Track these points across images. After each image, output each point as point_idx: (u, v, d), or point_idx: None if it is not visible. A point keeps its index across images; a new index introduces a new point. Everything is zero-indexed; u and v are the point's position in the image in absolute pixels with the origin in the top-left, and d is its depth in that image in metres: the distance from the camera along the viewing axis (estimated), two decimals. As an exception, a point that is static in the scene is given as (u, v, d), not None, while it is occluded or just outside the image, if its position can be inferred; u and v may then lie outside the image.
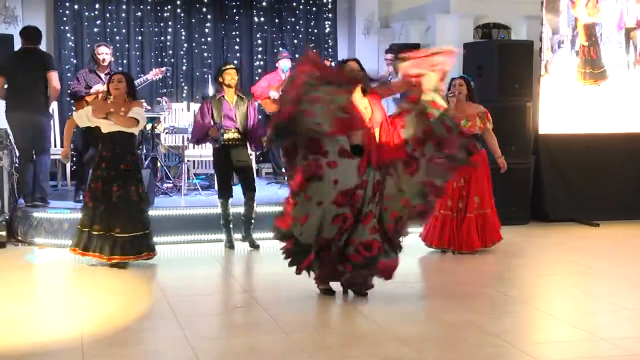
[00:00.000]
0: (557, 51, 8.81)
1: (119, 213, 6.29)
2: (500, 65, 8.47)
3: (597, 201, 8.75)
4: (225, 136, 7.02)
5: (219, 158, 7.21)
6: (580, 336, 4.76)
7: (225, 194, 7.19)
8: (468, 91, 6.92)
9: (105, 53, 7.96)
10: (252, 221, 7.24)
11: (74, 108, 8.24)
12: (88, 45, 9.53)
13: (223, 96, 7.11)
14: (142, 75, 8.90)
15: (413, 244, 6.73)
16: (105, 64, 7.99)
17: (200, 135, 7.14)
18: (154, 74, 8.55)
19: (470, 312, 5.15)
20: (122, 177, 6.35)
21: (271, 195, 8.43)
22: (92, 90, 7.84)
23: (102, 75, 7.98)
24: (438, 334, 4.69)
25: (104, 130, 6.38)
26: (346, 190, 5.00)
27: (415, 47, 10.03)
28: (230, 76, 7.08)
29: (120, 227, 6.26)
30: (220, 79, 7.16)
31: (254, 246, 7.20)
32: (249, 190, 7.19)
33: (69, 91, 8.28)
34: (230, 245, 7.22)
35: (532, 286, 6.18)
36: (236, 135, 7.11)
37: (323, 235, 5.06)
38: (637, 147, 8.99)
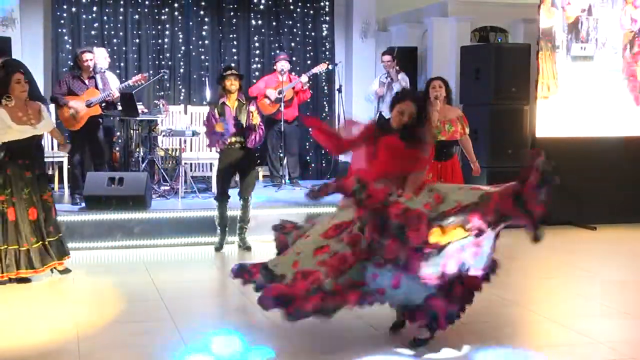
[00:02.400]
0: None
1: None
2: (497, 69, 8.48)
3: (594, 204, 8.75)
4: (228, 140, 7.05)
5: (221, 161, 7.24)
6: (578, 339, 4.77)
7: (223, 197, 7.21)
8: (446, 93, 6.65)
9: (89, 59, 7.94)
10: (247, 225, 7.28)
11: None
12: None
13: (224, 102, 7.14)
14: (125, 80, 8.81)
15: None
16: (90, 69, 7.97)
17: (212, 137, 7.14)
18: (136, 80, 8.44)
19: (466, 316, 5.14)
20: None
21: (268, 197, 8.46)
22: (71, 110, 7.85)
23: (86, 81, 7.97)
24: (433, 338, 4.67)
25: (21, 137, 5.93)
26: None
27: (413, 50, 10.09)
28: (230, 82, 7.10)
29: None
30: (222, 84, 7.19)
31: (246, 247, 7.23)
32: (246, 195, 7.21)
33: (50, 96, 8.25)
34: (219, 247, 7.24)
35: (528, 289, 6.18)
36: (239, 139, 7.10)
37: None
38: (634, 150, 9.00)
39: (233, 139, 7.08)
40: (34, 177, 6.02)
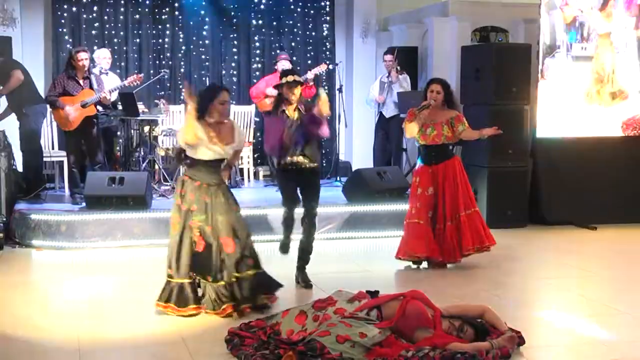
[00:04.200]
0: (553, 56, 8.82)
1: None
2: (498, 69, 8.48)
3: (594, 205, 8.75)
4: (289, 159, 5.92)
5: (284, 181, 6.09)
6: (578, 340, 4.77)
7: (294, 202, 6.03)
8: (446, 95, 6.46)
9: (85, 59, 7.92)
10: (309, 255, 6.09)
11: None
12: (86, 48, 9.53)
13: (284, 111, 5.94)
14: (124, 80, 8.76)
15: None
16: (85, 69, 7.96)
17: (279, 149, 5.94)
18: (131, 81, 8.38)
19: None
20: None
21: (268, 197, 8.45)
22: (64, 114, 7.85)
23: (81, 81, 7.96)
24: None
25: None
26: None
27: (414, 50, 10.09)
28: (292, 91, 5.87)
29: None
30: (280, 91, 6.01)
31: (307, 285, 5.99)
32: (312, 205, 6.04)
33: (45, 97, 8.25)
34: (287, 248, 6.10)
35: (528, 289, 6.18)
36: (304, 159, 5.93)
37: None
38: (634, 150, 9.00)
39: (297, 158, 5.90)
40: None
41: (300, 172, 5.90)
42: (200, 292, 5.24)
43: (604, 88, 8.95)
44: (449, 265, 6.56)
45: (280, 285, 5.38)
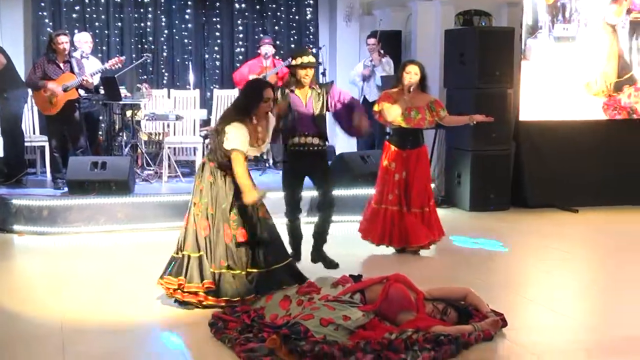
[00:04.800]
0: (535, 37, 8.83)
1: None
2: (481, 52, 8.48)
3: (576, 187, 8.80)
4: (297, 140, 5.75)
5: (289, 169, 5.96)
6: (560, 320, 4.81)
7: (295, 213, 5.99)
8: (422, 78, 6.29)
9: (65, 42, 7.83)
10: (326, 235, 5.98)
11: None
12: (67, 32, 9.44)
13: (292, 90, 5.74)
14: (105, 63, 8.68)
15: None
16: (65, 52, 7.88)
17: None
18: (112, 64, 8.29)
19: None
20: None
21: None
22: (47, 92, 7.75)
23: (62, 64, 7.88)
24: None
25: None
26: None
27: (397, 34, 10.07)
28: (306, 72, 5.65)
29: None
30: (293, 72, 5.78)
31: (332, 264, 5.89)
32: (328, 186, 5.91)
33: (26, 80, 8.16)
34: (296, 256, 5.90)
35: (511, 272, 6.22)
36: (314, 139, 5.76)
37: None
38: (615, 133, 9.05)
39: (305, 139, 5.70)
40: None
41: (308, 154, 5.68)
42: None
43: (609, 78, 8.99)
44: (432, 247, 6.55)
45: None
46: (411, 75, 6.23)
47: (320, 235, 5.90)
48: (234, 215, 5.00)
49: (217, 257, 4.93)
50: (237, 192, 4.97)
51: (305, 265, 5.73)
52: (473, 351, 4.17)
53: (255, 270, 4.99)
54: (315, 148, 5.70)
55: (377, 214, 6.43)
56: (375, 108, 6.36)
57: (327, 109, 5.77)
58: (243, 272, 4.96)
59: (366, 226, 6.56)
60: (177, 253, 5.02)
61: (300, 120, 5.64)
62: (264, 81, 5.70)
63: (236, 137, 4.88)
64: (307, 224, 6.13)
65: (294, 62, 5.67)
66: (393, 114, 6.21)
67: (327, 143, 5.81)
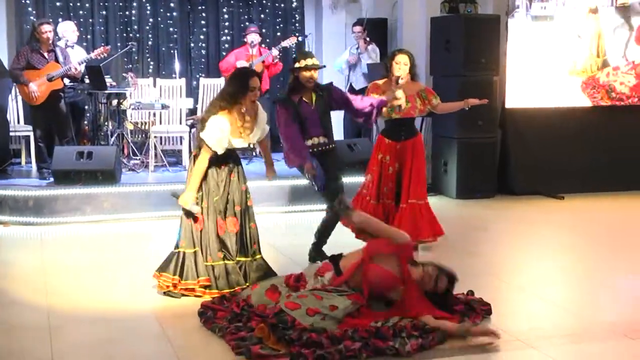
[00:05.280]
0: (513, 16, 8.82)
1: None
2: (467, 40, 8.49)
3: (562, 174, 8.86)
4: (310, 142, 5.63)
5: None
6: (547, 307, 4.85)
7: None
8: (411, 67, 6.10)
9: (49, 31, 7.74)
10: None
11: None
12: (50, 20, 9.37)
13: (302, 99, 5.62)
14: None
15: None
16: (50, 42, 7.80)
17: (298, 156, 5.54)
18: (98, 53, 8.18)
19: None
20: None
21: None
22: (29, 90, 7.68)
23: (46, 54, 7.81)
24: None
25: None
26: None
27: (383, 21, 10.06)
28: (311, 74, 5.53)
29: None
30: (296, 74, 5.61)
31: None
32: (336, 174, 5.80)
33: (9, 70, 8.08)
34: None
35: (497, 259, 6.26)
36: (324, 140, 5.71)
37: None
38: (602, 120, 9.11)
39: (317, 140, 5.62)
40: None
41: (324, 153, 5.60)
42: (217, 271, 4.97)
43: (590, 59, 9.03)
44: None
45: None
46: (400, 65, 6.04)
47: (327, 232, 5.83)
48: (224, 205, 5.01)
49: (212, 250, 4.96)
50: (228, 182, 4.99)
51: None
52: (460, 338, 4.20)
53: (243, 259, 5.06)
54: (327, 147, 5.65)
55: (376, 210, 6.10)
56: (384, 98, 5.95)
57: (332, 109, 5.72)
58: (234, 262, 5.00)
59: None
60: (176, 249, 5.06)
61: (310, 123, 5.56)
62: (250, 70, 5.69)
63: (213, 131, 4.86)
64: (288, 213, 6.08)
65: (297, 65, 5.53)
66: (400, 99, 5.92)
67: (334, 142, 5.76)
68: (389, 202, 6.21)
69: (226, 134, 4.90)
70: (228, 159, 5.06)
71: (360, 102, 5.80)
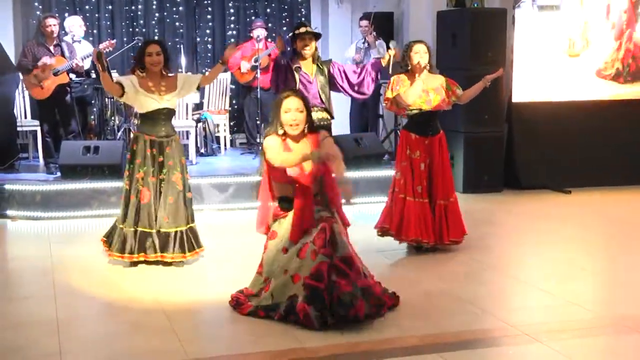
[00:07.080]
0: (519, 6, 8.78)
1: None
2: (474, 34, 8.47)
3: (569, 168, 8.83)
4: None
5: None
6: (553, 301, 4.84)
7: None
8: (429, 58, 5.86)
9: (53, 25, 7.76)
10: None
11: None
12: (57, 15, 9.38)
13: (299, 67, 5.80)
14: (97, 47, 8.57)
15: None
16: (54, 35, 7.80)
17: None
18: (104, 47, 8.05)
19: (444, 280, 5.21)
20: None
21: (245, 165, 8.44)
22: (39, 63, 7.67)
23: (52, 48, 7.82)
24: (412, 303, 4.71)
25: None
26: None
27: (389, 15, 10.03)
28: (304, 43, 5.73)
29: None
30: (294, 46, 5.86)
31: None
32: None
33: (17, 64, 8.08)
34: None
35: (504, 253, 6.25)
36: (323, 114, 5.84)
37: None
38: (608, 114, 9.07)
39: (316, 115, 5.58)
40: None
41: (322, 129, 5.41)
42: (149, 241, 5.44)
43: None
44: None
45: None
46: (420, 53, 5.74)
47: None
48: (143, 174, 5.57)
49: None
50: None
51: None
52: (465, 330, 4.19)
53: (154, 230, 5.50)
54: (323, 123, 5.72)
55: (423, 208, 5.83)
56: (389, 95, 5.80)
57: (332, 88, 5.89)
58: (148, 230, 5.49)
59: (396, 221, 5.87)
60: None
61: (309, 95, 5.64)
62: (150, 40, 6.22)
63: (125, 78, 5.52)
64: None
65: (291, 35, 5.82)
66: (412, 95, 5.72)
67: (332, 117, 5.85)
68: (424, 200, 5.87)
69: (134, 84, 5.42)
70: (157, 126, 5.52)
71: (357, 75, 6.01)
